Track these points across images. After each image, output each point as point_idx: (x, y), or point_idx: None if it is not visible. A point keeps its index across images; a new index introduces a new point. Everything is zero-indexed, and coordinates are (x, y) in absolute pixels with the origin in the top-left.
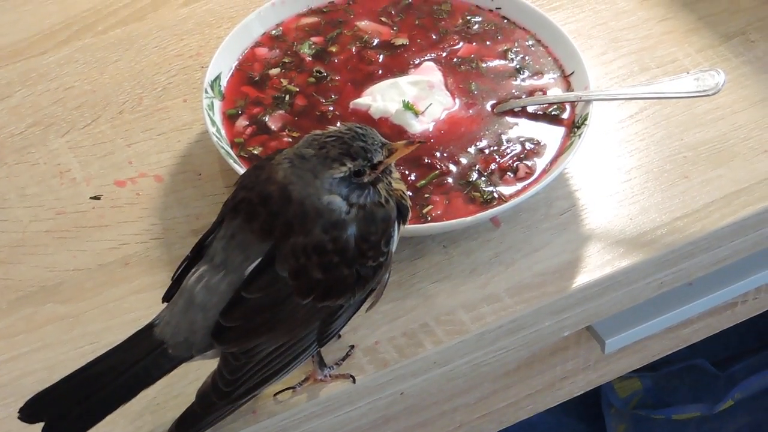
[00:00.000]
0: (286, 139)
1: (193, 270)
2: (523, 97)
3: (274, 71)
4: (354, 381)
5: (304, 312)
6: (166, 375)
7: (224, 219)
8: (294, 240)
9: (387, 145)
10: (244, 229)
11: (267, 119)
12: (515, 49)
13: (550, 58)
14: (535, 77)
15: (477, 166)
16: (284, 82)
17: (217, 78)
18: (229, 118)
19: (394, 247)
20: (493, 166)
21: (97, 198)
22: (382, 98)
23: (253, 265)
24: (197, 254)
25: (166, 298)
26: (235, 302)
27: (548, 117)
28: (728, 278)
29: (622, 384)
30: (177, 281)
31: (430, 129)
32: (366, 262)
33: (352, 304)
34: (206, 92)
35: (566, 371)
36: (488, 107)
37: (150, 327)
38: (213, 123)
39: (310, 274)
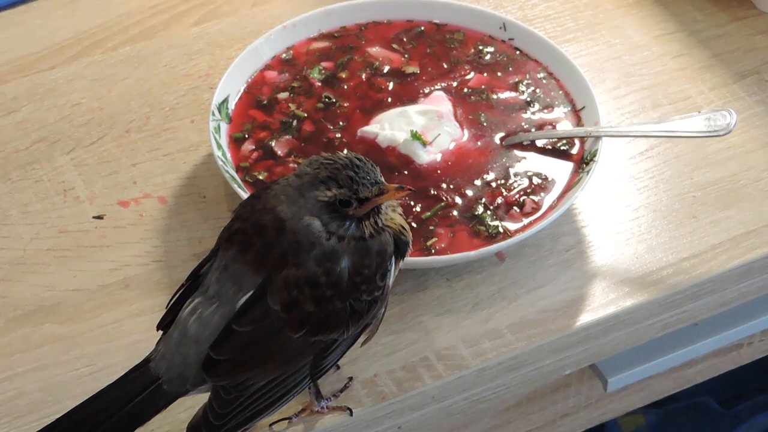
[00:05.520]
0: (291, 164)
1: (188, 301)
2: (533, 130)
3: (283, 95)
4: (351, 413)
5: (296, 346)
6: (161, 411)
7: (219, 249)
8: (287, 272)
9: (380, 185)
10: (238, 260)
11: (273, 144)
12: (526, 82)
13: (561, 92)
14: (546, 111)
15: (483, 200)
16: (292, 106)
17: (225, 100)
18: (236, 142)
19: (390, 281)
20: (499, 200)
21: (99, 218)
22: (390, 127)
23: (245, 297)
24: (193, 283)
25: (160, 326)
26: (225, 335)
27: (557, 152)
28: (734, 320)
29: (626, 419)
30: (171, 310)
31: (438, 159)
32: (360, 296)
33: (345, 338)
34: (213, 115)
35: (567, 408)
36: (497, 140)
37: (146, 361)
38: (219, 146)
39: (302, 307)
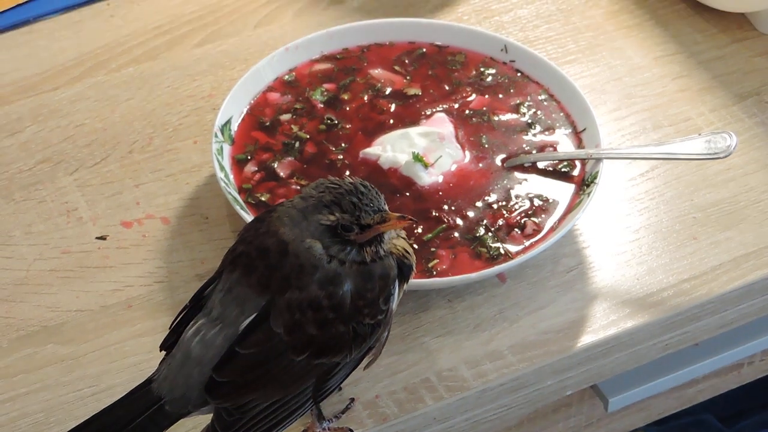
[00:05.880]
0: (294, 186)
1: (191, 323)
2: (534, 152)
3: (285, 117)
4: None
5: (298, 369)
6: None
7: (223, 271)
8: (290, 295)
9: (383, 213)
10: (242, 283)
11: (276, 165)
12: (528, 103)
13: (562, 114)
14: (547, 132)
15: (484, 221)
16: (295, 128)
17: (228, 122)
18: (238, 163)
19: (394, 305)
20: (500, 222)
21: (102, 238)
22: (392, 148)
23: (248, 319)
24: (196, 304)
25: (163, 346)
26: (228, 357)
27: (558, 173)
28: (735, 340)
29: None
30: (174, 330)
31: (439, 181)
32: (363, 319)
33: (348, 361)
34: (216, 136)
35: (568, 428)
36: (498, 161)
37: (148, 382)
38: (221, 168)
39: (305, 330)
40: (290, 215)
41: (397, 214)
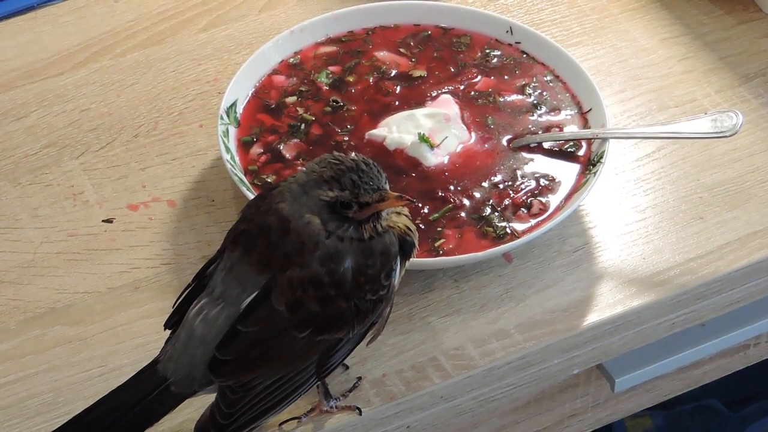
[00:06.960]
0: (300, 168)
1: (194, 302)
2: (540, 132)
3: (291, 99)
4: (360, 413)
5: (301, 345)
6: (170, 412)
7: (225, 250)
8: (291, 273)
9: (382, 192)
10: (243, 261)
11: (282, 147)
12: (533, 85)
13: (567, 95)
14: (552, 113)
15: (491, 201)
16: (300, 110)
17: (233, 105)
18: (244, 145)
19: (396, 281)
20: (507, 202)
21: (109, 221)
22: (397, 130)
23: (250, 298)
24: (199, 283)
25: (167, 325)
26: (230, 336)
27: (564, 153)
28: (741, 320)
29: (633, 422)
30: (177, 309)
31: (445, 162)
32: (364, 295)
33: (351, 337)
34: (222, 119)
35: (575, 409)
36: (504, 142)
37: (154, 363)
38: (227, 150)
39: (306, 307)
40: (291, 190)
41: (396, 194)
